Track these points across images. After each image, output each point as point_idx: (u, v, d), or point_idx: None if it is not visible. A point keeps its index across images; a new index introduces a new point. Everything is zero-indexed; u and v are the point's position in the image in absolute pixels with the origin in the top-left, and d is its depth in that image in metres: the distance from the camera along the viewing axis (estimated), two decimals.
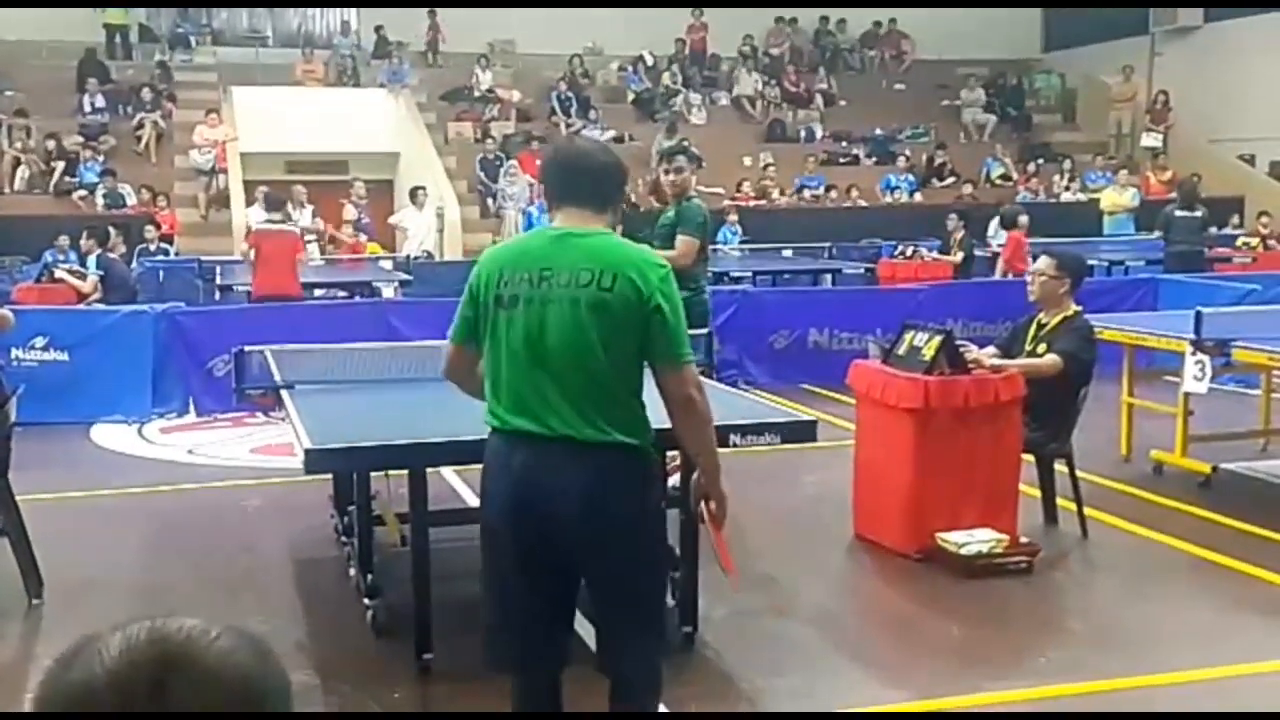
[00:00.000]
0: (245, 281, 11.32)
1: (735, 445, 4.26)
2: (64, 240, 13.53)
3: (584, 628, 3.53)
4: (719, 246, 14.99)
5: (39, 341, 8.86)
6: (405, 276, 12.83)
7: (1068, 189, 19.59)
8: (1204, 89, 20.07)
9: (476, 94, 20.53)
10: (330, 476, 5.98)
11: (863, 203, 19.12)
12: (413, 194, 16.31)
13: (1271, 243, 15.59)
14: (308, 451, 4.23)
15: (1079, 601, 5.52)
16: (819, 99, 21.89)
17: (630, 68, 21.92)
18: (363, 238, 15.79)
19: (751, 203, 18.41)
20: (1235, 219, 18.01)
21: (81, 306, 10.81)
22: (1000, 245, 14.77)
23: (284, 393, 5.29)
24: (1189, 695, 4.33)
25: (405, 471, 4.51)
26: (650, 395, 3.26)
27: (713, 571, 4.61)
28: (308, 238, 13.68)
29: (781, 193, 19.12)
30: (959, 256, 14.05)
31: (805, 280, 13.72)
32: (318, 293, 11.94)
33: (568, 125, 19.93)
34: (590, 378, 3.16)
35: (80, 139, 18.02)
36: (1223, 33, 20.33)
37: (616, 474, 3.20)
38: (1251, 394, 8.33)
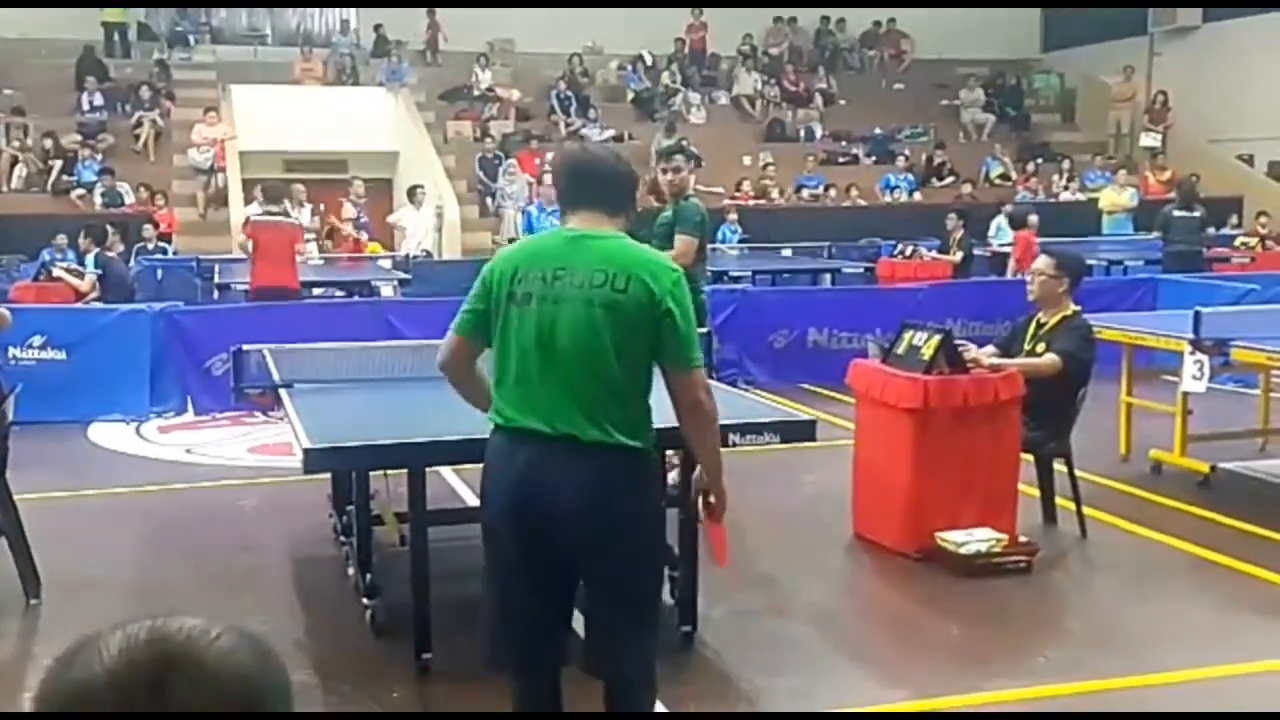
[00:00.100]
0: (244, 280, 11.28)
1: (734, 444, 4.26)
2: (62, 239, 13.52)
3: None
4: (718, 246, 15.00)
5: (37, 340, 8.85)
6: (404, 276, 12.82)
7: (1066, 189, 19.60)
8: (1203, 89, 20.08)
9: (476, 93, 20.52)
10: (329, 476, 5.97)
11: (862, 202, 19.13)
12: (410, 193, 16.31)
13: (1270, 243, 15.61)
14: (306, 451, 4.23)
15: (1078, 601, 5.52)
16: (818, 98, 21.89)
17: (630, 67, 21.92)
18: (364, 236, 15.79)
19: (751, 202, 18.41)
20: (1234, 219, 18.03)
21: (79, 305, 10.81)
22: (1001, 244, 14.80)
23: (282, 392, 5.29)
24: (1187, 695, 4.33)
25: (404, 471, 4.51)
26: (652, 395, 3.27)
27: (712, 571, 4.62)
28: (306, 236, 13.67)
29: (781, 192, 19.12)
30: (958, 256, 14.06)
31: (805, 280, 13.73)
32: (316, 291, 11.92)
33: (567, 124, 19.94)
34: (599, 378, 3.17)
35: (78, 137, 18.00)
36: (1221, 33, 20.34)
37: (617, 474, 3.20)
38: (1250, 393, 8.34)
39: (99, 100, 18.64)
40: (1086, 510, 6.15)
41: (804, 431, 4.66)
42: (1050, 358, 5.97)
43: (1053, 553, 5.84)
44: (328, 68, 20.68)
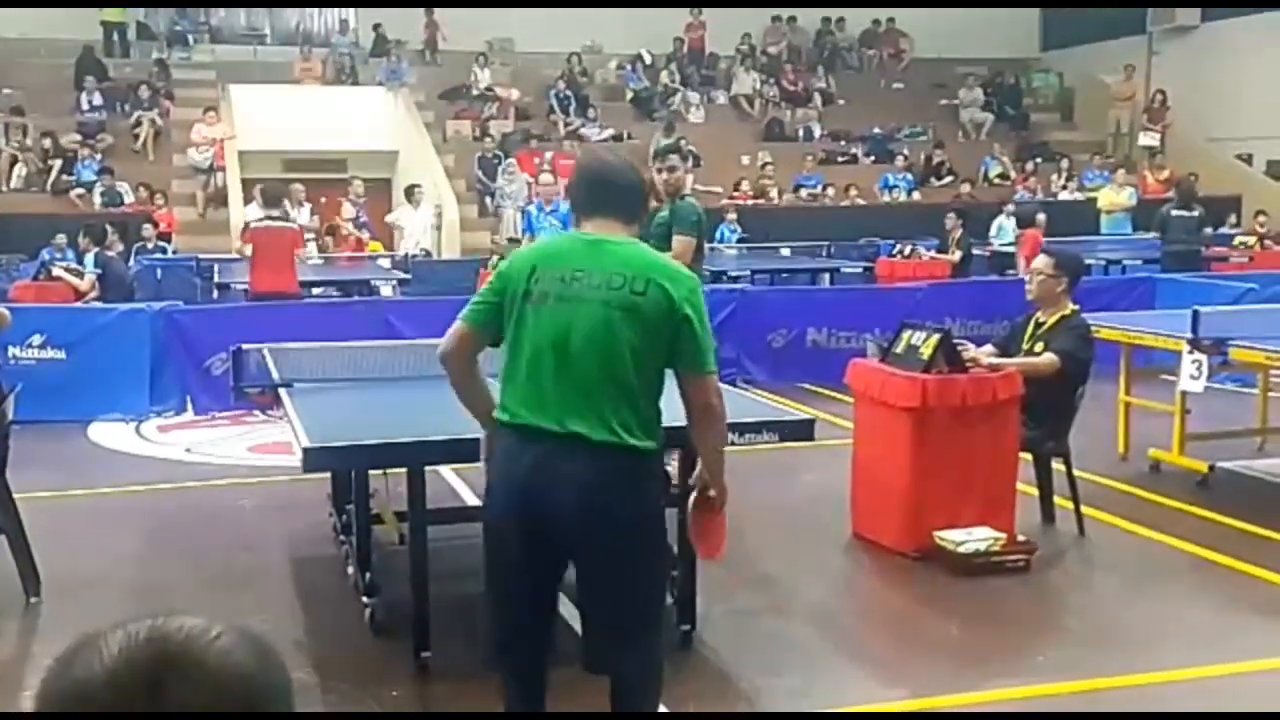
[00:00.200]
0: (243, 280, 11.30)
1: (733, 444, 4.25)
2: (61, 238, 13.52)
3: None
4: (716, 245, 15.01)
5: (36, 340, 8.85)
6: (403, 275, 12.82)
7: (1065, 188, 19.60)
8: (1201, 88, 20.08)
9: (475, 92, 20.52)
10: (328, 475, 5.97)
11: (861, 201, 19.13)
12: (408, 192, 16.32)
13: (1268, 242, 15.62)
14: (306, 450, 4.23)
15: (1076, 600, 5.53)
16: (817, 98, 21.88)
17: (629, 66, 21.92)
18: (365, 235, 15.80)
19: (750, 201, 18.41)
20: (1232, 218, 18.03)
21: (79, 305, 10.81)
22: (1003, 244, 14.80)
23: (282, 391, 5.29)
24: (1185, 694, 4.34)
25: (403, 470, 4.51)
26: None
27: (712, 571, 4.63)
28: (306, 235, 13.67)
29: (780, 192, 19.13)
30: (957, 255, 14.06)
31: (803, 279, 13.73)
32: (315, 291, 11.93)
33: (566, 124, 19.94)
34: (613, 379, 3.20)
35: (78, 137, 18.00)
36: (1220, 32, 20.35)
37: (620, 475, 3.23)
38: (1248, 393, 8.34)
39: (98, 100, 18.64)
40: (1085, 509, 6.16)
41: (803, 431, 4.66)
42: (1049, 357, 5.97)
43: (1051, 552, 5.84)
44: (327, 67, 20.68)
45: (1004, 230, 15.19)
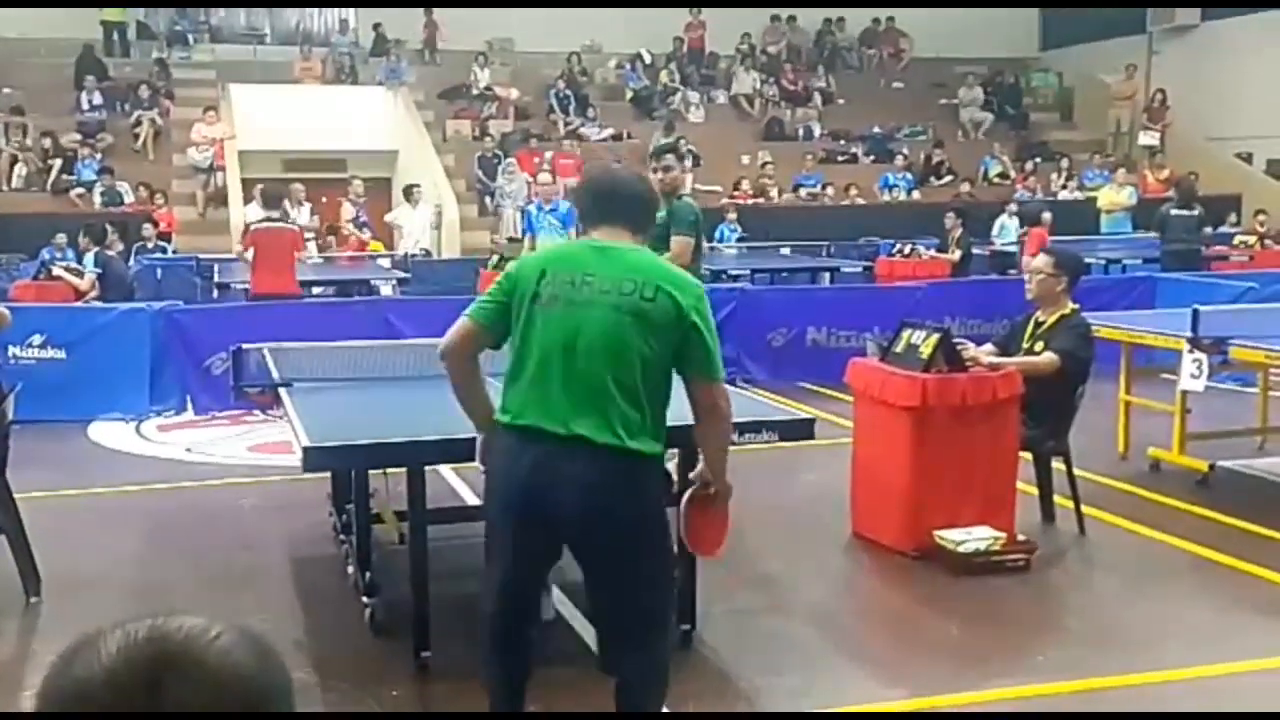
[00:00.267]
0: (243, 279, 11.31)
1: (734, 443, 4.25)
2: (61, 238, 13.52)
3: (586, 629, 3.54)
4: (716, 245, 15.01)
5: (36, 339, 8.85)
6: (403, 275, 12.83)
7: (1065, 187, 19.60)
8: (1201, 87, 20.09)
9: (475, 92, 20.52)
10: (328, 474, 5.97)
11: (861, 201, 19.13)
12: (407, 192, 16.32)
13: (1268, 241, 15.61)
14: (306, 449, 4.24)
15: (1076, 599, 5.53)
16: (817, 97, 21.89)
17: (628, 66, 21.92)
18: (366, 234, 15.80)
19: (750, 201, 18.41)
20: (1232, 217, 18.03)
21: (79, 304, 10.81)
22: (1005, 243, 14.80)
23: (282, 390, 5.29)
24: (1185, 693, 4.33)
25: (403, 469, 4.51)
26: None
27: (712, 570, 4.62)
28: (306, 236, 13.68)
29: (780, 191, 19.13)
30: (957, 255, 14.05)
31: (803, 278, 13.73)
32: (315, 290, 11.93)
33: (566, 123, 19.94)
34: (620, 382, 3.22)
35: (78, 137, 18.00)
36: (1220, 31, 20.35)
37: (622, 477, 3.24)
38: (1248, 392, 8.34)
39: (98, 99, 18.64)
40: (1085, 509, 6.15)
41: (802, 430, 4.66)
42: (1049, 356, 5.97)
43: (1051, 551, 5.84)
44: (327, 67, 20.68)
45: (1006, 230, 15.19)
